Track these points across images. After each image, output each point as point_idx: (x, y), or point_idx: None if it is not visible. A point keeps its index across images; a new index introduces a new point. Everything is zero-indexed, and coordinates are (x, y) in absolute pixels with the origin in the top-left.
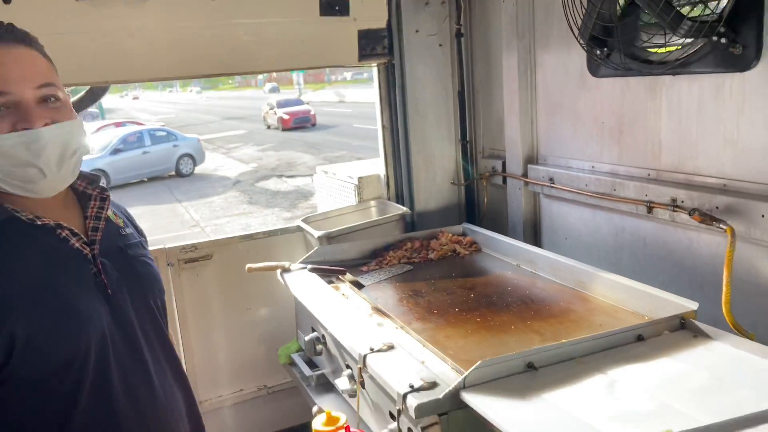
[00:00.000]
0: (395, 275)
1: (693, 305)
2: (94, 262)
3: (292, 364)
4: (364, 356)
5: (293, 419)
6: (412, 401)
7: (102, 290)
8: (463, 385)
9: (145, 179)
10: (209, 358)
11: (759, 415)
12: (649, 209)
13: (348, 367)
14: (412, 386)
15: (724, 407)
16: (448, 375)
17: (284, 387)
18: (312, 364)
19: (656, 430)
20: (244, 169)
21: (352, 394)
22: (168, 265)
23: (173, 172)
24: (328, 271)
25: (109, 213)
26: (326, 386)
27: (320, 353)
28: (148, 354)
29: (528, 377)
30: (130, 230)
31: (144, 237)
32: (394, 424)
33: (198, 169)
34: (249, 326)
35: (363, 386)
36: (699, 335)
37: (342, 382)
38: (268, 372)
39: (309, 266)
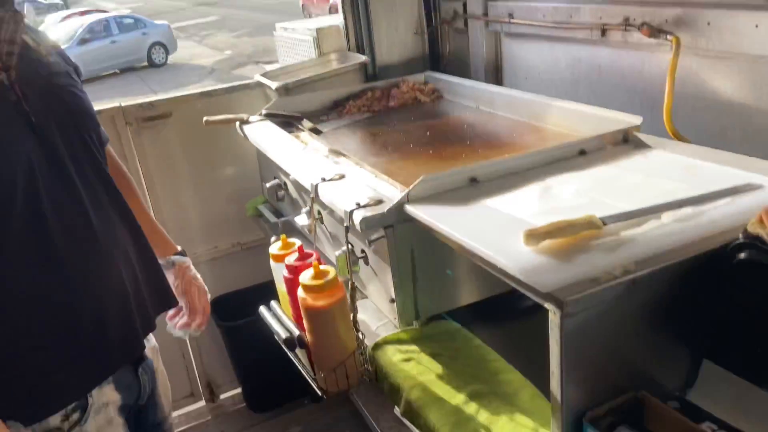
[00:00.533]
0: (354, 122)
1: (637, 120)
2: (14, 89)
3: (260, 216)
4: (316, 186)
5: (267, 274)
6: (358, 215)
7: (25, 119)
8: (407, 199)
9: (117, 71)
10: (181, 217)
11: (683, 200)
12: (603, 32)
13: (306, 204)
14: (358, 204)
15: (650, 198)
16: (396, 194)
17: (257, 244)
18: (279, 215)
19: (580, 216)
20: (219, 57)
21: (312, 230)
22: (126, 124)
23: (146, 63)
24: (285, 118)
25: (28, 39)
26: (292, 232)
27: (282, 199)
28: (83, 190)
29: (470, 190)
30: (54, 59)
31: (72, 67)
32: (346, 246)
33: (171, 59)
34: (217, 185)
35: (322, 221)
36: (640, 146)
37: (301, 219)
38: (241, 229)
39: (265, 112)
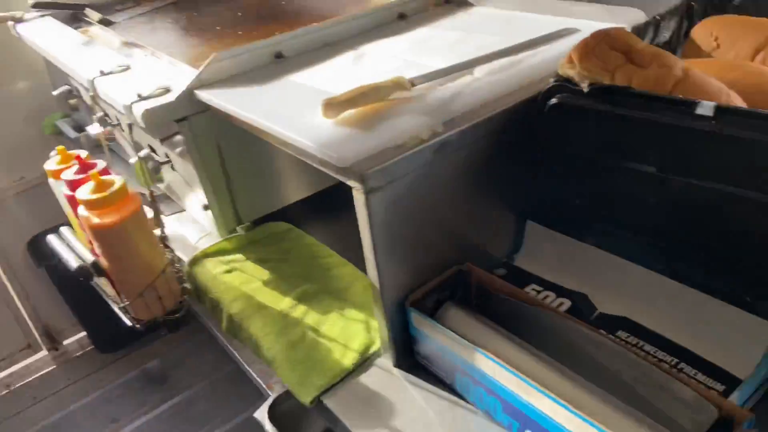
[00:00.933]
0: (154, 9)
1: None
2: None
3: (61, 133)
4: (93, 81)
5: None
6: (139, 108)
7: None
8: (198, 84)
9: None
10: None
11: (497, 52)
12: None
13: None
14: (140, 95)
15: (467, 54)
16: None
17: None
18: (81, 129)
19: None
20: None
21: (110, 138)
22: None
23: None
24: (61, 8)
25: None
26: (101, 149)
27: (77, 108)
28: None
29: (275, 67)
30: None
31: None
32: (143, 152)
33: None
34: (8, 104)
35: (122, 129)
36: (463, 5)
37: (93, 128)
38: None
39: (33, 2)
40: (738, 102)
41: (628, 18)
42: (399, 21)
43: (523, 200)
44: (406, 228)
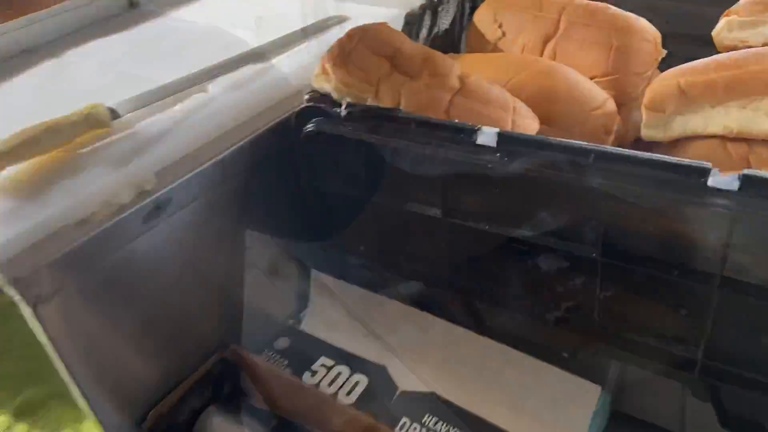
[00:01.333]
0: None
1: None
2: None
3: None
4: None
5: None
6: None
7: None
8: None
9: None
10: None
11: (241, 57)
12: None
13: None
14: None
15: (207, 58)
16: None
17: None
18: None
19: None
20: None
21: None
22: None
23: None
24: None
25: None
26: None
27: None
28: None
29: None
30: None
31: None
32: None
33: None
34: None
35: None
36: None
37: None
38: None
39: None
40: (525, 116)
41: (403, 0)
42: (130, 10)
43: (303, 246)
44: (123, 327)
